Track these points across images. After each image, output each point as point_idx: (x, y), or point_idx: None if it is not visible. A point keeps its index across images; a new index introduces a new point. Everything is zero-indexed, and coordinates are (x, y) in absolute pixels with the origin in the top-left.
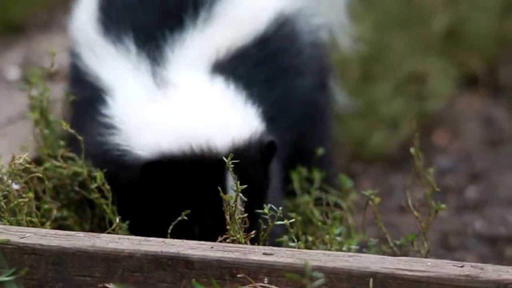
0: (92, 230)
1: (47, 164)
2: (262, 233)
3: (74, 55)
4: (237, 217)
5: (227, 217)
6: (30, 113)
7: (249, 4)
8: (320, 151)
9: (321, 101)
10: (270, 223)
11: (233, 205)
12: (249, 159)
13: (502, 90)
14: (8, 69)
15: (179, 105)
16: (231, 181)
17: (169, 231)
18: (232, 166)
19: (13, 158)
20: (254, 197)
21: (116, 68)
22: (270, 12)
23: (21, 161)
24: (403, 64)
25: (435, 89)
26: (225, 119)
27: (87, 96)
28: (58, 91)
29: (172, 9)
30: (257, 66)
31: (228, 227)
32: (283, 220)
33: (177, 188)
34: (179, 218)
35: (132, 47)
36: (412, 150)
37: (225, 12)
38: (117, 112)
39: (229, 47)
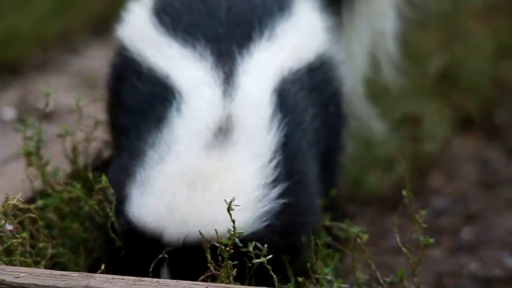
0: (88, 267)
1: (39, 202)
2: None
3: (127, 53)
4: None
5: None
6: (23, 154)
7: (303, 33)
8: (333, 192)
9: (337, 144)
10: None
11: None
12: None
13: (497, 132)
14: (3, 110)
15: (197, 172)
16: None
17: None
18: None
19: (7, 198)
20: None
21: (189, 73)
22: (317, 47)
23: (14, 201)
24: (399, 105)
25: (431, 130)
26: (210, 210)
27: (147, 93)
28: (55, 131)
29: (239, 23)
30: (309, 91)
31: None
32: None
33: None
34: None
35: (206, 54)
36: (403, 192)
37: (284, 35)
38: (169, 142)
39: (290, 68)
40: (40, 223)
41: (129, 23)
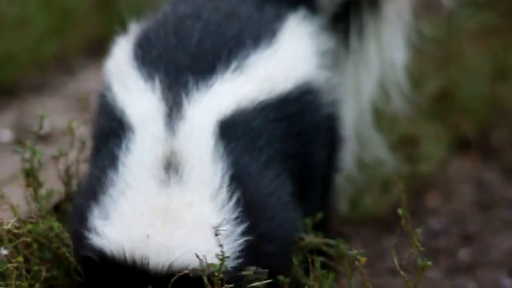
0: None
1: (29, 226)
2: None
3: (105, 87)
4: None
5: None
6: (21, 176)
7: (280, 64)
8: (319, 215)
9: (327, 170)
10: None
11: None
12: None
13: (494, 153)
14: (0, 132)
15: (157, 206)
16: None
17: None
18: None
19: (1, 223)
20: None
21: (140, 106)
22: (298, 77)
23: (9, 226)
24: (396, 126)
25: (427, 151)
26: (187, 240)
27: (108, 127)
28: (51, 152)
29: (206, 55)
30: (275, 121)
31: None
32: None
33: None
34: None
35: (158, 86)
36: (399, 211)
37: (255, 66)
38: (123, 176)
39: (252, 99)
40: (35, 246)
41: (113, 55)
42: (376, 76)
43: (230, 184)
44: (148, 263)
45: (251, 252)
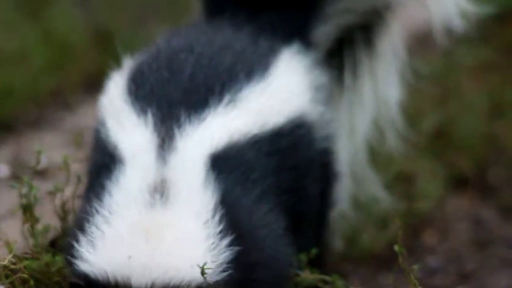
0: None
1: (25, 262)
2: None
3: (99, 123)
4: None
5: None
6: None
7: (273, 98)
8: (314, 251)
9: (321, 205)
10: None
11: None
12: None
13: (491, 191)
14: None
15: (142, 223)
16: None
17: None
18: None
19: None
20: None
21: (132, 139)
22: (291, 111)
23: (5, 262)
24: (392, 164)
25: (424, 189)
26: (169, 257)
27: (102, 162)
28: (48, 188)
29: (199, 88)
30: (268, 155)
31: None
32: None
33: None
34: None
35: (150, 120)
36: (396, 248)
37: (248, 100)
38: (106, 207)
39: (245, 133)
40: (31, 282)
41: (107, 91)
42: (370, 113)
43: (218, 212)
44: (130, 284)
45: (241, 281)
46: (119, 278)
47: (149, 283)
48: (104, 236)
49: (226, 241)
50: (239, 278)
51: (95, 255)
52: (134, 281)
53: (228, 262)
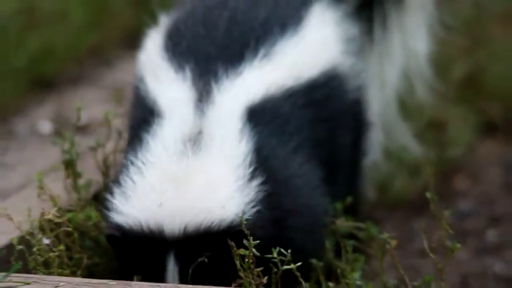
0: None
1: (69, 215)
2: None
3: (138, 79)
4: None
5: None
6: (61, 166)
7: (307, 50)
8: (349, 199)
9: (355, 154)
10: (280, 267)
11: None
12: (206, 248)
13: None
14: (40, 123)
15: (174, 172)
16: (173, 264)
17: None
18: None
19: (42, 214)
20: (209, 280)
21: (171, 94)
22: (324, 63)
23: (50, 216)
24: (422, 113)
25: (455, 135)
26: (200, 200)
27: (142, 117)
28: (89, 143)
29: (235, 43)
30: (303, 108)
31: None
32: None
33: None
34: None
35: (189, 75)
36: (428, 194)
37: (283, 53)
38: (143, 159)
39: (281, 85)
40: (75, 235)
41: (145, 48)
42: (400, 65)
43: (251, 159)
44: (163, 230)
45: (275, 225)
46: (152, 226)
47: (181, 227)
48: (136, 187)
49: (257, 182)
50: (273, 220)
51: (128, 205)
52: (166, 227)
53: (259, 201)
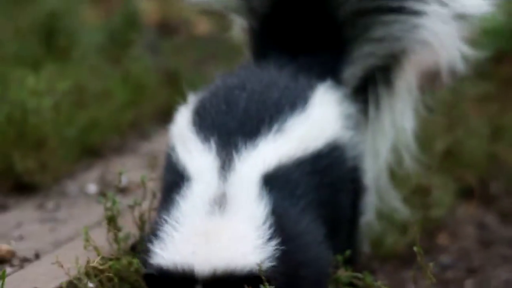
0: None
1: (110, 263)
2: None
3: (170, 148)
4: None
5: None
6: (104, 222)
7: (313, 126)
8: (348, 252)
9: (353, 214)
10: None
11: None
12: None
13: (492, 200)
14: (88, 186)
15: (204, 227)
16: None
17: None
18: None
19: (88, 261)
20: None
21: (198, 162)
22: (327, 136)
23: (94, 264)
24: (410, 180)
25: (437, 199)
26: (226, 250)
27: (173, 181)
28: (129, 202)
29: (252, 119)
30: (310, 174)
31: None
32: None
33: None
34: None
35: (213, 146)
36: (415, 248)
37: (292, 128)
38: (174, 215)
39: (291, 156)
40: (115, 280)
41: (176, 122)
42: (390, 140)
43: (268, 220)
44: (194, 272)
45: (287, 276)
46: (185, 268)
47: (210, 270)
48: (173, 238)
49: (274, 241)
50: (286, 273)
51: (166, 251)
52: (197, 269)
53: (275, 258)
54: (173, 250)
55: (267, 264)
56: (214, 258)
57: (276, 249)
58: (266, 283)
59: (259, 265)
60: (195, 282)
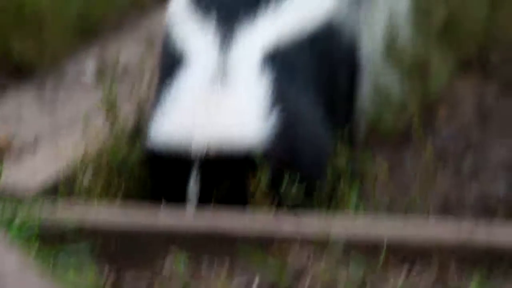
0: None
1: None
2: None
3: (167, 28)
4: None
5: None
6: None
7: (308, 6)
8: (347, 130)
9: (351, 90)
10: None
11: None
12: (227, 165)
13: (492, 70)
14: (86, 67)
15: (203, 101)
16: (195, 179)
17: None
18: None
19: (86, 145)
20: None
21: (198, 41)
22: (323, 16)
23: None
24: (408, 54)
25: (436, 72)
26: (224, 124)
27: (171, 60)
28: (129, 83)
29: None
30: (308, 54)
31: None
32: None
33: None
34: None
35: (213, 24)
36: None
37: (289, 7)
38: (172, 92)
39: (289, 35)
40: (114, 166)
41: (173, 1)
42: (385, 15)
43: (269, 98)
44: (192, 146)
45: (288, 150)
46: (184, 142)
47: (209, 145)
48: (171, 112)
49: (274, 114)
50: (285, 144)
51: (164, 126)
52: (195, 144)
53: (275, 133)
54: (170, 125)
55: (267, 138)
56: (213, 131)
57: (277, 119)
58: (265, 160)
59: (261, 136)
60: (193, 158)
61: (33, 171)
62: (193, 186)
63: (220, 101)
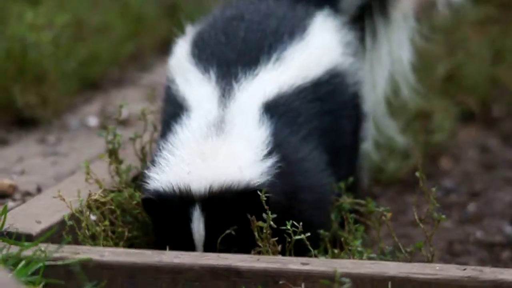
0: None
1: (112, 195)
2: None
3: (169, 80)
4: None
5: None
6: (105, 155)
7: (312, 53)
8: (351, 179)
9: (354, 140)
10: (292, 237)
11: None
12: (227, 206)
13: (494, 123)
14: (88, 119)
15: (200, 149)
16: (199, 219)
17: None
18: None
19: (90, 194)
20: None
21: (198, 92)
22: (327, 63)
23: (96, 196)
24: (408, 107)
25: (439, 123)
26: (222, 167)
27: (173, 112)
28: (129, 134)
29: (251, 49)
30: (311, 102)
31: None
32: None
33: (163, 219)
34: None
35: (213, 77)
36: (417, 173)
37: (292, 57)
38: (174, 140)
39: (291, 84)
40: (118, 211)
41: (174, 54)
42: (387, 70)
43: (268, 144)
44: (190, 191)
45: (287, 197)
46: (182, 188)
47: (206, 187)
48: (168, 162)
49: (272, 160)
50: (284, 193)
51: (162, 175)
52: (193, 187)
53: (273, 176)
54: (169, 173)
55: (264, 178)
56: (210, 175)
57: (274, 167)
58: (264, 198)
59: (257, 180)
60: (192, 201)
61: (37, 217)
62: (196, 228)
63: (217, 148)
